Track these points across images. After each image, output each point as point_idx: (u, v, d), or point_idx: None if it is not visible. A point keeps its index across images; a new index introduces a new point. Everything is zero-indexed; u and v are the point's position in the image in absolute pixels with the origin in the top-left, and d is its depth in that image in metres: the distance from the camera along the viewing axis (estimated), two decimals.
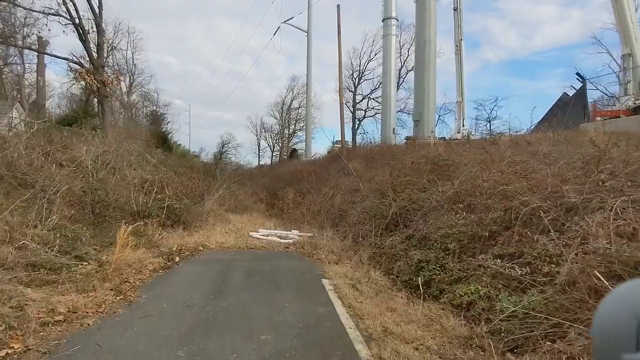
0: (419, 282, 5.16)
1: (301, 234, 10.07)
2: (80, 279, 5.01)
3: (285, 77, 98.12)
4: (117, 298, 4.82)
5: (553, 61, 59.95)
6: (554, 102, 20.70)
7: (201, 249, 7.96)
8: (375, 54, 34.55)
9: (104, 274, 5.30)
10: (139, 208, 8.87)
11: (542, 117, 19.17)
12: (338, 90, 31.96)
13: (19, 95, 17.21)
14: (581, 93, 16.87)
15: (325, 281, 6.01)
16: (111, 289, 5.03)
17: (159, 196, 10.02)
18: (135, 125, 27.98)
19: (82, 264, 5.68)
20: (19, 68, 26.29)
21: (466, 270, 5.18)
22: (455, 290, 4.84)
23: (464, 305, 4.57)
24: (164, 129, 31.87)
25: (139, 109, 34.48)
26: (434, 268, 5.51)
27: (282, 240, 9.19)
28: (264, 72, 74.31)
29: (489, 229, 5.43)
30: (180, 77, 71.33)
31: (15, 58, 23.67)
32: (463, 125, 27.94)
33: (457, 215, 6.21)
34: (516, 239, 4.87)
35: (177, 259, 6.98)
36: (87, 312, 4.29)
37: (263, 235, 9.75)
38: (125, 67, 33.08)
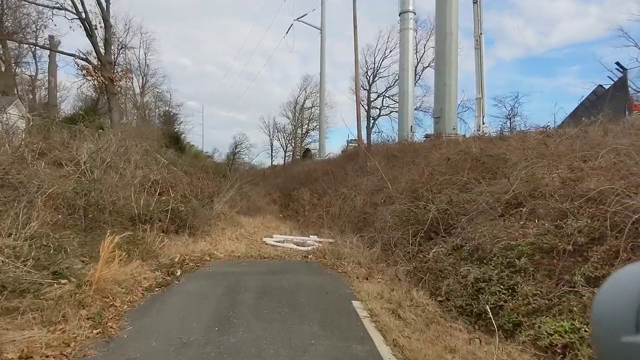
0: (487, 311, 3.86)
1: (320, 239, 8.84)
2: (49, 305, 3.86)
3: (298, 77, 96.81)
4: (94, 332, 3.66)
5: (567, 59, 57.29)
6: (585, 96, 19.05)
7: (208, 259, 6.79)
8: (390, 51, 33.12)
9: (82, 297, 4.15)
10: (139, 211, 7.75)
11: (572, 111, 17.61)
12: (352, 88, 30.67)
13: (21, 93, 16.42)
14: (621, 84, 15.29)
15: (356, 304, 4.76)
16: (88, 318, 3.88)
17: (163, 198, 8.92)
18: (148, 125, 27.21)
19: (59, 283, 4.54)
20: (31, 69, 25.81)
21: (547, 296, 3.87)
22: (539, 326, 3.54)
23: (557, 350, 3.27)
24: (176, 129, 31.05)
25: (152, 109, 33.78)
26: (499, 291, 4.21)
27: (300, 248, 7.96)
28: (276, 72, 73.40)
29: (572, 241, 4.10)
30: (194, 78, 70.84)
31: (25, 58, 23.07)
32: (483, 123, 26.41)
33: (522, 223, 4.90)
34: (623, 256, 3.55)
35: (179, 272, 5.81)
36: (47, 357, 3.13)
37: (278, 242, 8.55)
38: (139, 68, 32.42)
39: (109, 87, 15.74)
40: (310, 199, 14.14)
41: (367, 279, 5.76)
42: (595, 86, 20.17)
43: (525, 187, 5.61)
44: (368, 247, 7.52)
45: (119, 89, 19.36)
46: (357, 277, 5.82)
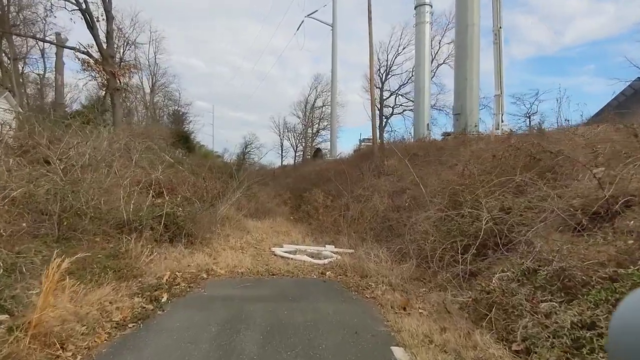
0: None
1: (338, 249, 7.47)
2: None
3: (309, 77, 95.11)
4: None
5: (582, 57, 54.75)
6: (619, 91, 17.30)
7: (204, 276, 5.47)
8: (404, 48, 31.67)
9: (10, 350, 2.85)
10: (129, 217, 6.48)
11: (603, 106, 15.95)
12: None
13: (11, 86, 15.37)
14: None
15: (399, 353, 3.36)
16: None
17: (158, 201, 7.65)
18: (157, 125, 26.23)
19: None
20: (39, 68, 25.03)
21: None
22: None
23: None
24: (185, 128, 30.01)
25: (161, 108, 32.82)
26: None
27: (315, 261, 6.60)
28: (288, 72, 72.09)
29: None
30: (205, 78, 70.01)
31: (31, 55, 22.23)
32: (502, 121, 24.77)
33: (632, 242, 3.45)
34: None
35: (165, 297, 4.50)
36: None
37: (289, 252, 7.20)
38: (148, 67, 31.51)
39: (111, 82, 14.62)
40: (324, 201, 12.79)
41: (404, 309, 4.36)
42: (627, 81, 18.39)
43: (616, 191, 4.16)
44: (397, 261, 6.13)
45: (125, 85, 18.32)
46: (391, 307, 4.43)
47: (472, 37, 17.43)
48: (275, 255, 7.06)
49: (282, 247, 7.62)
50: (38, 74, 24.46)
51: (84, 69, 14.51)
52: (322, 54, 76.90)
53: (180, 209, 7.54)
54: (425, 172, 9.74)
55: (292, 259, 6.75)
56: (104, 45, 14.50)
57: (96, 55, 14.65)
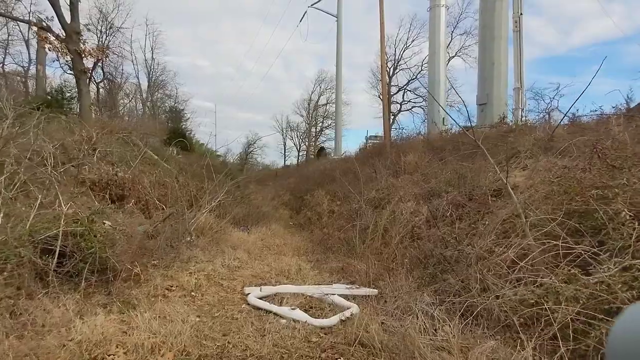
0: None
1: (352, 290, 4.39)
2: None
3: (314, 77, 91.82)
4: None
5: (591, 57, 51.28)
6: None
7: None
8: (413, 40, 28.59)
9: None
10: None
11: None
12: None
13: None
14: None
15: None
16: None
17: (70, 211, 4.62)
18: (151, 120, 23.42)
19: None
20: (24, 60, 22.35)
21: None
22: None
23: None
24: (183, 125, 27.13)
25: (160, 106, 29.97)
26: None
27: (316, 323, 3.49)
28: (293, 72, 69.10)
29: None
30: (209, 78, 67.10)
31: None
32: (522, 116, 21.59)
33: None
34: None
35: None
36: None
37: (272, 300, 4.13)
38: (145, 64, 28.69)
39: (76, 63, 11.67)
40: (329, 205, 9.79)
41: None
42: None
43: None
44: (469, 330, 3.06)
45: (109, 76, 15.40)
46: None
47: (501, 14, 14.32)
48: (248, 304, 3.98)
49: (261, 290, 4.50)
50: (22, 67, 21.76)
51: (43, 47, 11.57)
52: (326, 54, 73.90)
53: (106, 222, 4.55)
54: (469, 168, 6.70)
55: (275, 315, 3.67)
56: (68, 20, 11.55)
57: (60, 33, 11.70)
